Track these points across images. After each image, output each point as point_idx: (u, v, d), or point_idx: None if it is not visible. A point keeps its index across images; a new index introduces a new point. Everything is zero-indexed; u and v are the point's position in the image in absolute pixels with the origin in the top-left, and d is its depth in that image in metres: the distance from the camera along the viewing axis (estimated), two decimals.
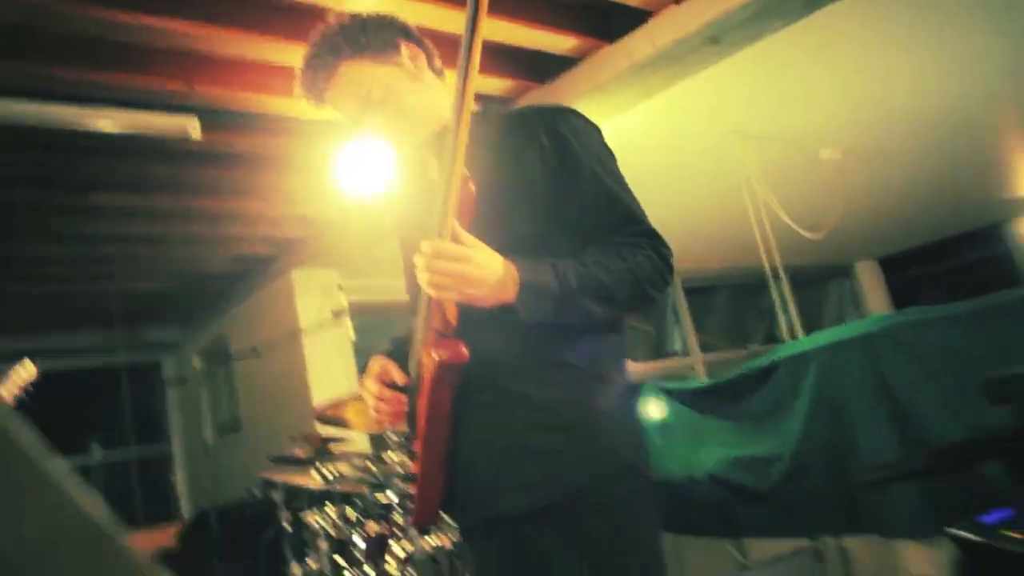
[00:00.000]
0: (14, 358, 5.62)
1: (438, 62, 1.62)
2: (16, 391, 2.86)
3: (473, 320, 1.34)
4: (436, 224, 1.27)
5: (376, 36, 1.53)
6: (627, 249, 1.37)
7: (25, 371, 2.90)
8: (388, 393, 1.53)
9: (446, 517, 1.55)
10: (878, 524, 2.65)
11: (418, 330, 1.44)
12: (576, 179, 1.41)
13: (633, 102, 3.49)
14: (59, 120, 2.91)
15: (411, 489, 1.53)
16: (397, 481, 2.94)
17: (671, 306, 8.12)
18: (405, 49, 1.55)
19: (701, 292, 8.68)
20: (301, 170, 3.94)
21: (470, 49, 1.15)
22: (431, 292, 1.28)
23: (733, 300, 9.17)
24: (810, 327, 9.62)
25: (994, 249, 9.73)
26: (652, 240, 1.41)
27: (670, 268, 1.41)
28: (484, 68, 3.39)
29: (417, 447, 1.44)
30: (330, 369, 5.06)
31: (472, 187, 1.27)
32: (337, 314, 3.33)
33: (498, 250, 1.31)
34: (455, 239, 1.26)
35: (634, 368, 7.36)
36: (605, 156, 1.48)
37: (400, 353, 1.60)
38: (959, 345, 2.40)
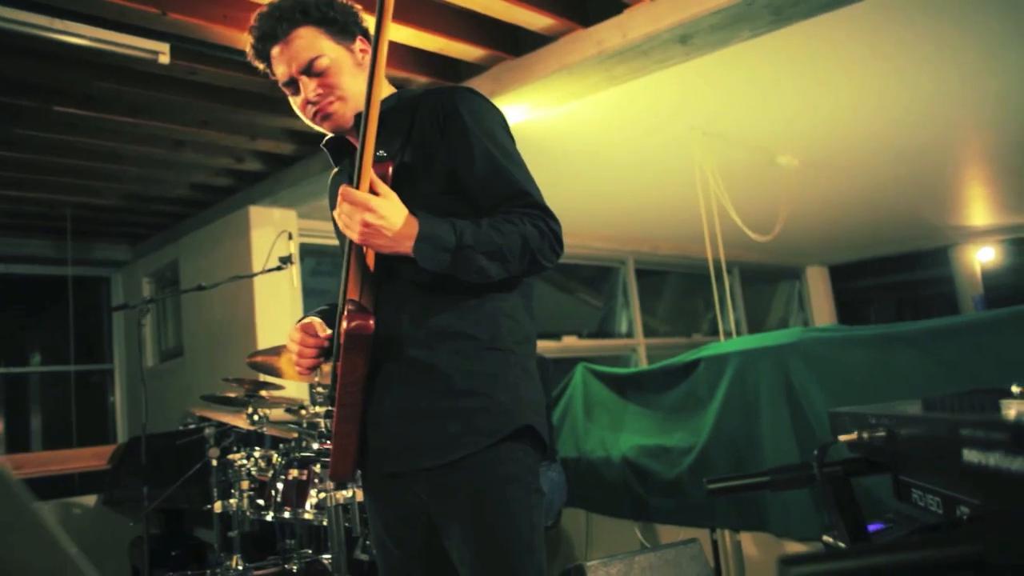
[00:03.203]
0: None
1: None
2: None
3: (386, 296, 1.52)
4: (355, 177, 1.44)
5: (342, 17, 1.64)
6: (517, 216, 1.49)
7: None
8: (309, 341, 1.64)
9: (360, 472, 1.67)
10: (771, 523, 2.83)
11: (340, 301, 1.56)
12: (468, 154, 1.52)
13: (598, 87, 3.55)
14: (30, 27, 2.90)
15: (328, 446, 1.64)
16: (318, 435, 3.02)
17: (622, 286, 8.13)
18: (360, 42, 1.68)
19: (653, 275, 8.72)
20: (265, 106, 3.96)
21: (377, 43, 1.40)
22: (342, 230, 1.46)
23: (683, 287, 9.23)
24: (756, 323, 9.85)
25: (938, 271, 10.09)
26: (542, 212, 1.52)
27: (559, 241, 1.53)
28: (460, 35, 3.42)
29: (334, 408, 1.56)
30: (278, 309, 5.10)
31: (390, 167, 1.48)
32: (284, 261, 3.35)
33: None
34: (372, 188, 1.43)
35: (576, 344, 7.49)
36: (499, 134, 1.58)
37: (331, 316, 1.71)
38: (859, 364, 2.56)
